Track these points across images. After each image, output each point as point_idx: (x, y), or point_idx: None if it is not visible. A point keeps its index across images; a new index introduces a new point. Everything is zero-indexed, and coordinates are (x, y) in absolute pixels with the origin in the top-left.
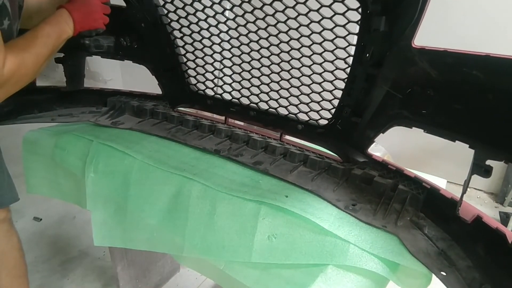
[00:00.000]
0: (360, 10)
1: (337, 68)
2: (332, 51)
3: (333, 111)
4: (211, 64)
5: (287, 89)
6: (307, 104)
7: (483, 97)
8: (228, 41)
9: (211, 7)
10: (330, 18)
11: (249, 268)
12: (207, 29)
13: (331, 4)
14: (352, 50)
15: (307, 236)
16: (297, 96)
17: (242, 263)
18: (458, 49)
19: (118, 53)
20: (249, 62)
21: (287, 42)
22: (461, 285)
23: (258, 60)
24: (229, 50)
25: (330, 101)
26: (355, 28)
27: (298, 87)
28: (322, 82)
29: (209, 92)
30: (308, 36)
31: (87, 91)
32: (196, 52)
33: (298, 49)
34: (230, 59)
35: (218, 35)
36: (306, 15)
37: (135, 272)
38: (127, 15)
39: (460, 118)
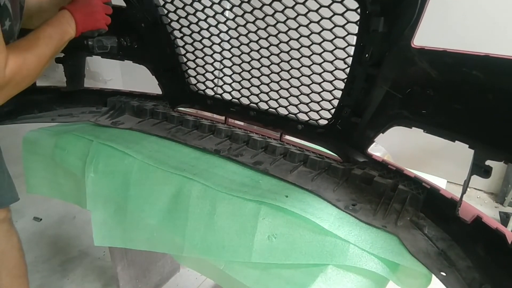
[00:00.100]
0: (359, 10)
1: (336, 68)
2: (331, 51)
3: (333, 111)
4: (211, 64)
5: (287, 89)
6: (307, 104)
7: (483, 97)
8: (228, 41)
9: (211, 7)
10: (329, 19)
11: (249, 268)
12: (207, 29)
13: (330, 4)
14: (351, 50)
15: (307, 236)
16: (297, 96)
17: (242, 263)
18: (457, 49)
19: (118, 53)
20: (249, 62)
21: (287, 42)
22: (461, 285)
23: (258, 60)
24: (229, 50)
25: (330, 101)
26: (355, 29)
27: (298, 87)
28: (322, 82)
29: (209, 92)
30: (308, 37)
31: (87, 91)
32: (196, 52)
33: (298, 49)
34: (230, 59)
35: (218, 35)
36: (305, 15)
37: (135, 272)
38: (127, 15)
39: (460, 118)
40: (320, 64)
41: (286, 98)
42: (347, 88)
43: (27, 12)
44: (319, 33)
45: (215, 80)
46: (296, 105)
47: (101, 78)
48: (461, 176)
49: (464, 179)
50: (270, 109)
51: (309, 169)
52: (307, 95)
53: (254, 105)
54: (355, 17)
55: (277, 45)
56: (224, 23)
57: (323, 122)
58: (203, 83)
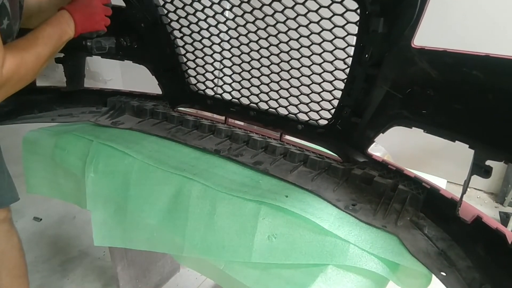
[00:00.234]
0: (358, 11)
1: (336, 69)
2: (331, 52)
3: (333, 111)
4: (211, 64)
5: (287, 89)
6: (307, 104)
7: (483, 97)
8: (228, 41)
9: (210, 7)
10: (329, 19)
11: (249, 268)
12: (207, 29)
13: (330, 5)
14: (351, 50)
15: (307, 236)
16: (297, 96)
17: (242, 263)
18: (457, 49)
19: (118, 53)
20: (249, 62)
21: (287, 43)
22: (461, 285)
23: (258, 60)
24: (229, 50)
25: (330, 101)
26: (354, 29)
27: (297, 87)
28: (322, 82)
29: (209, 92)
30: (307, 37)
31: (87, 91)
32: (196, 52)
33: (298, 50)
34: (230, 59)
35: (218, 35)
36: (305, 15)
37: (135, 272)
38: (127, 15)
39: (460, 118)
40: (320, 64)
41: (286, 98)
42: (347, 88)
43: (26, 12)
44: (318, 33)
45: (215, 80)
46: (296, 105)
47: (101, 78)
48: (461, 176)
49: (464, 179)
50: (270, 109)
51: (309, 169)
52: (307, 95)
53: (254, 105)
54: (355, 17)
55: (277, 45)
56: (224, 23)
57: (323, 122)
58: (203, 83)
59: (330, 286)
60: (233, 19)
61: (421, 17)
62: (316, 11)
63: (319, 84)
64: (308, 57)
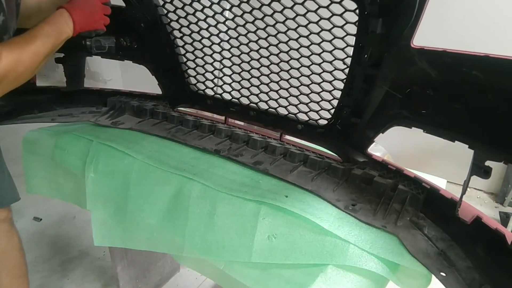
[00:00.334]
0: (357, 11)
1: (336, 69)
2: (330, 52)
3: (332, 111)
4: (211, 64)
5: (287, 89)
6: (306, 104)
7: (483, 97)
8: (227, 41)
9: (210, 7)
10: (328, 19)
11: (249, 268)
12: (207, 29)
13: (329, 5)
14: (350, 51)
15: (307, 236)
16: (296, 96)
17: (242, 263)
18: (457, 49)
19: (118, 53)
20: (248, 62)
21: (286, 43)
22: (460, 286)
23: (258, 60)
24: (228, 50)
25: (329, 101)
26: (354, 29)
27: (297, 87)
28: (321, 82)
29: (209, 92)
30: (307, 37)
31: (87, 91)
32: (195, 52)
33: (297, 50)
34: (229, 59)
35: (217, 35)
36: (304, 15)
37: (135, 272)
38: (126, 15)
39: (460, 118)
40: (319, 65)
41: (286, 98)
42: (347, 88)
43: (25, 12)
44: (318, 34)
45: (215, 80)
46: (295, 105)
47: (101, 78)
48: (461, 176)
49: (464, 179)
50: (270, 109)
51: (309, 169)
52: (307, 95)
53: (254, 105)
54: (354, 18)
55: (276, 45)
56: (224, 23)
57: (323, 122)
58: (203, 83)
59: (330, 286)
60: (232, 19)
61: (420, 17)
62: (315, 11)
63: (318, 84)
64: (308, 57)
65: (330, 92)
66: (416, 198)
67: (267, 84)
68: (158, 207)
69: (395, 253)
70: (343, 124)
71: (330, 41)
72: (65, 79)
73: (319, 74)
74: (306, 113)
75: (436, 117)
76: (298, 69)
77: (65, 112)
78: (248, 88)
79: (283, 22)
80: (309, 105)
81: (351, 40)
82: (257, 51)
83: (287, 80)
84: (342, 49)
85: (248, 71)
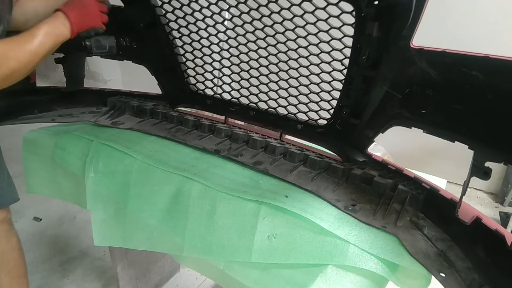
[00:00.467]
0: (354, 13)
1: (334, 69)
2: (328, 53)
3: (332, 111)
4: (210, 64)
5: (286, 89)
6: (306, 104)
7: (482, 98)
8: (226, 41)
9: (208, 7)
10: (325, 21)
11: (249, 268)
12: (206, 29)
13: (325, 6)
14: (349, 52)
15: (307, 236)
16: (295, 96)
17: (242, 263)
18: (456, 50)
19: (117, 53)
20: (247, 62)
21: (285, 43)
22: (460, 287)
23: (257, 60)
24: (227, 50)
25: (328, 101)
26: (351, 31)
27: (296, 87)
28: (320, 82)
29: (209, 92)
30: (305, 37)
31: (87, 91)
32: (195, 52)
33: (295, 50)
34: (229, 59)
35: (216, 35)
36: (301, 16)
37: (135, 272)
38: (126, 15)
39: (459, 118)
40: (318, 65)
41: (285, 98)
42: (345, 89)
43: (23, 16)
44: (315, 35)
45: (215, 80)
46: (295, 105)
47: (101, 78)
48: (461, 176)
49: (464, 179)
50: (270, 109)
51: (309, 169)
52: (306, 95)
53: (254, 105)
54: (351, 19)
55: (274, 46)
56: (222, 23)
57: (322, 122)
58: (203, 83)
59: (330, 286)
60: (231, 19)
61: (419, 18)
62: (312, 13)
63: (317, 84)
64: (306, 57)
65: (329, 92)
66: (416, 198)
67: (267, 84)
68: (158, 207)
69: (395, 253)
70: (342, 124)
71: (327, 42)
72: (65, 79)
73: (317, 75)
74: (305, 113)
75: (436, 117)
76: (297, 69)
77: (65, 112)
78: (247, 88)
79: (281, 23)
80: (309, 105)
81: (349, 41)
82: (256, 51)
83: (286, 80)
84: (340, 50)
85: (248, 71)
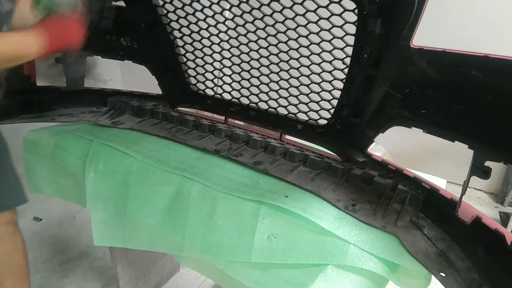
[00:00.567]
0: (356, 11)
1: (335, 69)
2: (330, 52)
3: (332, 111)
4: (211, 64)
5: (287, 89)
6: (306, 104)
7: (482, 98)
8: (227, 41)
9: (210, 7)
10: (327, 19)
11: (249, 268)
12: (207, 29)
13: (328, 5)
14: (350, 50)
15: (307, 236)
16: (296, 96)
17: (242, 263)
18: (456, 50)
19: (118, 53)
20: (248, 62)
21: (286, 43)
22: (460, 286)
23: (257, 60)
24: (228, 50)
25: (329, 101)
26: (353, 29)
27: (297, 87)
28: (321, 82)
29: (209, 92)
30: (306, 37)
31: (87, 91)
32: (195, 52)
33: (297, 49)
34: (229, 59)
35: (217, 35)
36: (303, 15)
37: (135, 272)
38: (127, 15)
39: (459, 118)
40: (319, 64)
41: (286, 98)
42: (346, 88)
43: (21, 22)
44: (317, 33)
45: (215, 80)
46: (295, 105)
47: (101, 78)
48: (461, 176)
49: (464, 179)
50: (270, 109)
51: (309, 169)
52: (306, 95)
53: (254, 105)
54: (353, 17)
55: (276, 45)
56: (223, 23)
57: (322, 122)
58: (203, 83)
59: (329, 286)
60: (232, 19)
61: (419, 17)
62: (314, 11)
63: (318, 84)
64: (307, 57)
65: (329, 92)
66: (416, 198)
67: (267, 84)
68: (158, 207)
69: (395, 253)
70: (342, 124)
71: (329, 41)
72: (65, 79)
73: (318, 74)
74: (306, 113)
75: (436, 117)
76: (297, 69)
77: (65, 112)
78: (248, 88)
79: (283, 22)
80: (309, 105)
81: (351, 39)
82: (256, 51)
83: (286, 80)
84: (342, 49)
85: (248, 71)
